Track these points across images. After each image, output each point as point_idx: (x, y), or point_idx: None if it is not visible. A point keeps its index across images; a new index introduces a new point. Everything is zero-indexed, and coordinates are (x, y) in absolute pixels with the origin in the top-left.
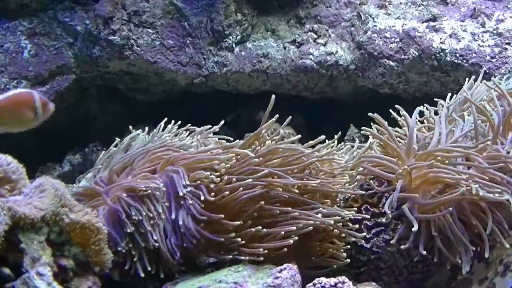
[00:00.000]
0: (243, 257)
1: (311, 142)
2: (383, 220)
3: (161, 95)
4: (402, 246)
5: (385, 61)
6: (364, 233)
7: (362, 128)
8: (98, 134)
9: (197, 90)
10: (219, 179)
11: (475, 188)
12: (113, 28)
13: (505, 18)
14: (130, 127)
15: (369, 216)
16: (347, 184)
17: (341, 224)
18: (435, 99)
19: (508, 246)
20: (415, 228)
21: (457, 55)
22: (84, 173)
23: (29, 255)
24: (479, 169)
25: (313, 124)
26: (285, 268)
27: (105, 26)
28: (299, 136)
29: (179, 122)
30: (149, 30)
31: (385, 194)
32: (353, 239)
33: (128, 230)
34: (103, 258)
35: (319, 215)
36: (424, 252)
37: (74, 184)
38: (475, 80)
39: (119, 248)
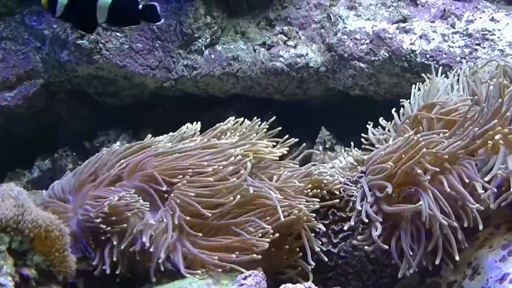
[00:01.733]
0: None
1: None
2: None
3: (131, 99)
4: (366, 247)
5: (356, 63)
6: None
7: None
8: (67, 139)
9: (167, 94)
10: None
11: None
12: (81, 32)
13: (475, 19)
14: None
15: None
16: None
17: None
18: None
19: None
20: (377, 233)
21: (427, 56)
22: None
23: None
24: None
25: (284, 127)
26: (250, 275)
27: (73, 30)
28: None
29: None
30: (118, 34)
31: (351, 198)
32: (317, 248)
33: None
34: (67, 266)
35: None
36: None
37: (44, 190)
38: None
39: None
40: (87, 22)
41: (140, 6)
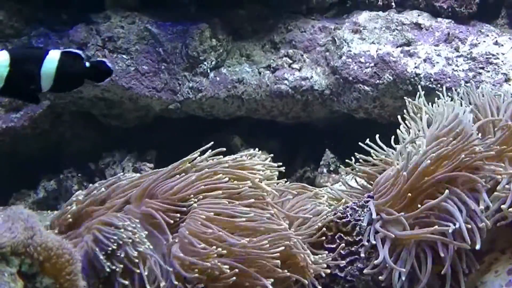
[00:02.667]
0: None
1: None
2: (358, 249)
3: (136, 120)
4: (380, 277)
5: (360, 86)
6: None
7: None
8: (72, 160)
9: (171, 116)
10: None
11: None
12: (87, 54)
13: (479, 43)
14: None
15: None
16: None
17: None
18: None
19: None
20: (379, 260)
21: (432, 79)
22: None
23: None
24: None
25: (289, 149)
26: None
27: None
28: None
29: None
30: (124, 56)
31: (358, 223)
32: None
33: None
34: None
35: None
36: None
37: (48, 211)
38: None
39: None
40: (31, 93)
41: (88, 64)
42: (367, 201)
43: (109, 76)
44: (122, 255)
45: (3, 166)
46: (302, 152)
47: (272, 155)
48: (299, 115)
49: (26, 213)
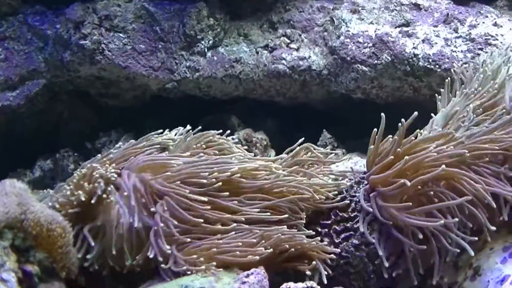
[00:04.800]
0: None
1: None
2: (353, 225)
3: (133, 100)
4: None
5: (358, 66)
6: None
7: None
8: (69, 139)
9: (168, 95)
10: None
11: None
12: (84, 33)
13: (478, 24)
14: None
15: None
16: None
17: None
18: None
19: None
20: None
21: (430, 60)
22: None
23: None
24: None
25: (286, 129)
26: (252, 273)
27: (75, 31)
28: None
29: None
30: (121, 35)
31: (354, 198)
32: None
33: None
34: (70, 263)
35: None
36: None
37: (45, 190)
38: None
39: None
40: None
41: None
42: (363, 177)
43: None
44: None
45: None
46: (300, 133)
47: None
48: (296, 95)
49: (18, 187)
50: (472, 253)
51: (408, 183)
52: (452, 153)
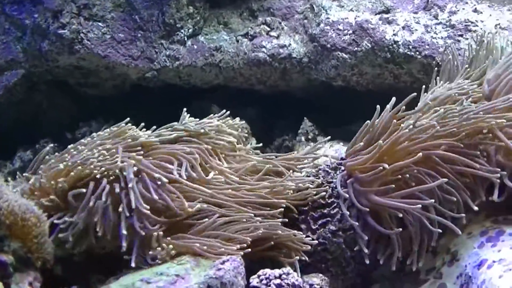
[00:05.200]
0: None
1: None
2: (330, 211)
3: (112, 89)
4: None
5: (338, 54)
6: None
7: None
8: (48, 129)
9: (149, 84)
10: None
11: None
12: (63, 22)
13: (458, 10)
14: None
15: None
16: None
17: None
18: None
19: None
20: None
21: (410, 47)
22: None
23: None
24: None
25: (267, 117)
26: (227, 260)
27: (54, 20)
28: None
29: None
30: (100, 24)
31: (331, 185)
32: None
33: None
34: (45, 253)
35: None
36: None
37: (19, 179)
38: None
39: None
40: None
41: None
42: (340, 163)
43: None
44: None
45: None
46: (281, 121)
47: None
48: (277, 83)
49: None
50: (459, 232)
51: (387, 166)
52: (424, 127)
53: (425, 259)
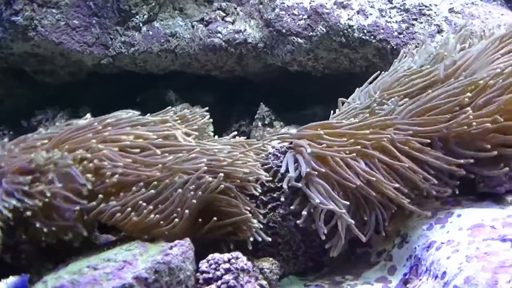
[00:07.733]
0: None
1: None
2: (279, 195)
3: (68, 77)
4: (298, 221)
5: (293, 38)
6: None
7: None
8: (4, 117)
9: (104, 71)
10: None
11: None
12: (16, 8)
13: None
14: None
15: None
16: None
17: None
18: None
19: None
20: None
21: (365, 31)
22: None
23: None
24: None
25: (224, 103)
26: (176, 245)
27: (7, 6)
28: None
29: None
30: (54, 10)
31: (280, 169)
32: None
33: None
34: None
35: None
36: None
37: None
38: None
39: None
40: None
41: None
42: (289, 147)
43: None
44: None
45: None
46: (238, 107)
47: (207, 108)
48: (233, 69)
49: None
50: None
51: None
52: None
53: (376, 242)
